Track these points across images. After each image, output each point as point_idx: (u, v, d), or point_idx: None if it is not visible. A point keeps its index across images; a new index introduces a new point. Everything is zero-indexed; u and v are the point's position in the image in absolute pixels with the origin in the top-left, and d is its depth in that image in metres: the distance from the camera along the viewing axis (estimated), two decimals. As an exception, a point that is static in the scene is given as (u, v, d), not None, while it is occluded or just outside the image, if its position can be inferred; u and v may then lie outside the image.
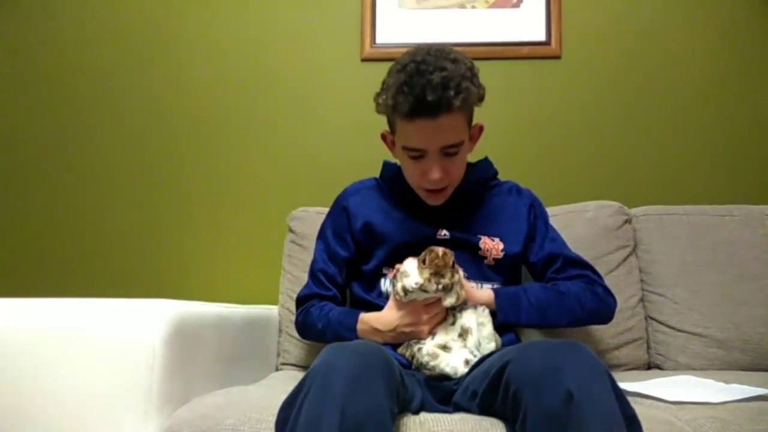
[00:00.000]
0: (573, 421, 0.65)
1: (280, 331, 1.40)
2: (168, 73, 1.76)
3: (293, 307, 1.36)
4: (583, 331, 1.32)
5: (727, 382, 1.05)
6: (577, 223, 1.42)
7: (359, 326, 1.06)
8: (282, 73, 1.74)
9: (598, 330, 1.34)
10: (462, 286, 1.01)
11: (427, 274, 0.97)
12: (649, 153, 1.68)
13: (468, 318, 1.01)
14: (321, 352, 0.76)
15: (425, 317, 1.00)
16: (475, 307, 1.03)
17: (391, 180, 1.19)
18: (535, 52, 1.71)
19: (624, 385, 0.78)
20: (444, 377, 0.96)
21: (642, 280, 1.43)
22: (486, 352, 0.97)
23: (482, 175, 1.19)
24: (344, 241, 1.17)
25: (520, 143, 1.68)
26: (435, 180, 1.05)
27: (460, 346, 0.99)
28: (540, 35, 1.71)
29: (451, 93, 0.97)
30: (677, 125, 1.69)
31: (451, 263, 0.98)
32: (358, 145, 1.69)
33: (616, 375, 0.77)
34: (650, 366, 1.38)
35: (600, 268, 1.37)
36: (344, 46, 1.73)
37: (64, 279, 1.71)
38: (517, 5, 1.72)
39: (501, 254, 1.11)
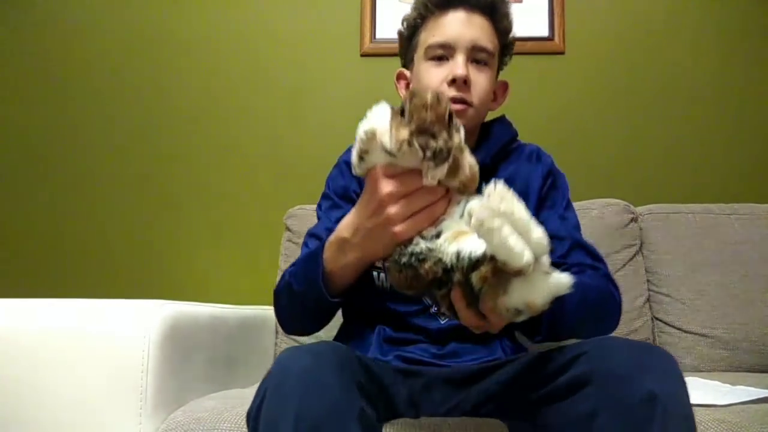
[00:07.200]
0: (657, 423, 0.61)
1: (277, 332, 1.39)
2: (163, 70, 1.74)
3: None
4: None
5: (733, 383, 1.03)
6: (582, 222, 1.39)
7: (326, 254, 0.80)
8: (280, 68, 1.72)
9: (603, 331, 1.32)
10: (465, 156, 0.67)
11: (406, 133, 0.61)
12: (654, 151, 1.66)
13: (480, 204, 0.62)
14: (278, 355, 0.72)
15: (386, 190, 0.68)
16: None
17: None
18: (538, 48, 1.69)
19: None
20: (449, 269, 0.62)
21: (648, 280, 1.41)
22: (538, 243, 0.58)
23: (501, 137, 1.04)
24: (349, 197, 1.00)
25: (523, 140, 1.66)
26: (460, 77, 0.91)
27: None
28: (543, 30, 1.69)
29: None
30: (683, 122, 1.67)
31: (446, 114, 0.63)
32: (357, 142, 1.67)
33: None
34: (656, 367, 1.37)
35: (605, 268, 1.37)
36: (343, 41, 1.71)
37: (56, 279, 1.70)
38: (519, 0, 1.69)
39: None
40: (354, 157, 0.70)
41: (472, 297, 0.61)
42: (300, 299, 0.85)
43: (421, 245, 0.65)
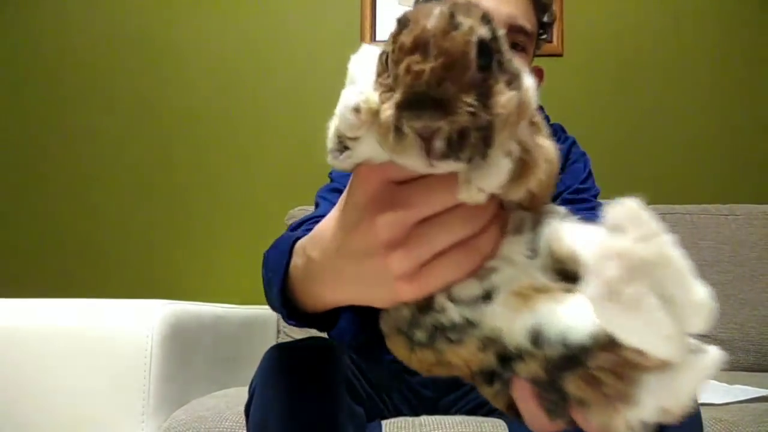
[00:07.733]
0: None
1: (279, 332, 1.39)
2: (164, 71, 1.74)
3: (291, 308, 1.34)
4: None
5: (729, 383, 1.04)
6: (579, 223, 1.42)
7: (294, 260, 0.50)
8: (281, 70, 1.73)
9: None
10: (539, 141, 0.37)
11: (390, 107, 0.32)
12: (650, 152, 1.67)
13: (567, 233, 0.36)
14: (264, 353, 0.69)
15: (383, 216, 0.37)
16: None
17: None
18: (536, 50, 1.69)
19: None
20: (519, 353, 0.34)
21: (644, 281, 1.42)
22: (699, 307, 0.31)
23: None
24: None
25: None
26: None
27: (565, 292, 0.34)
28: (541, 33, 1.70)
29: None
30: (679, 123, 1.68)
31: (471, 52, 0.30)
32: (357, 143, 1.67)
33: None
34: (652, 367, 1.37)
35: (602, 268, 1.38)
36: (344, 42, 1.72)
37: (58, 279, 1.70)
38: (518, 2, 1.70)
39: None
40: (331, 140, 0.41)
41: (561, 405, 0.33)
42: (267, 293, 0.60)
43: (451, 313, 0.35)
